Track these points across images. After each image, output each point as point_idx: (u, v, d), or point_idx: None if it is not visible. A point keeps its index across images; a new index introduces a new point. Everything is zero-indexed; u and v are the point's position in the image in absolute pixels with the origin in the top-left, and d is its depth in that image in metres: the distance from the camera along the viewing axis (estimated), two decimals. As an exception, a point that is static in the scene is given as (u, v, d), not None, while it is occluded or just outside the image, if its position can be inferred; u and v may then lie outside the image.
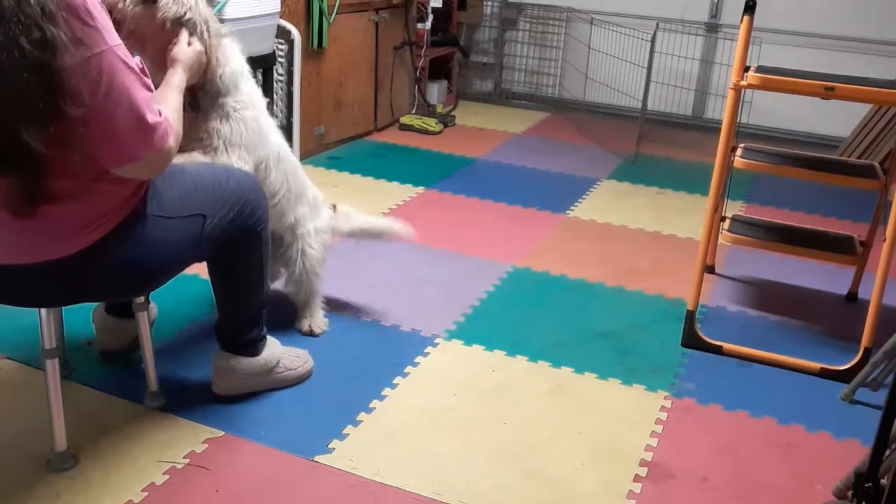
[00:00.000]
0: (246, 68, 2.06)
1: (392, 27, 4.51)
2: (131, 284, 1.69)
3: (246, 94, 2.03)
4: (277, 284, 2.43)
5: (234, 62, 1.99)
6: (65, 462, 1.76)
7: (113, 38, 1.39)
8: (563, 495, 1.77)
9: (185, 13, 1.79)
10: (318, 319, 2.41)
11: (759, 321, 2.64)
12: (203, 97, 1.93)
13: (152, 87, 1.50)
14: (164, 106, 1.55)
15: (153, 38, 1.78)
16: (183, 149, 1.81)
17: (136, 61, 1.46)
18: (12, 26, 1.26)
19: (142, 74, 1.46)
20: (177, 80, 1.69)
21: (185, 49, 1.76)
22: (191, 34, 1.80)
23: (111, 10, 1.64)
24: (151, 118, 1.45)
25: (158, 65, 1.76)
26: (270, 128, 2.15)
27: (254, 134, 2.03)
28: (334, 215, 2.43)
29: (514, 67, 5.49)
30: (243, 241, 1.84)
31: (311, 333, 2.38)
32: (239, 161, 1.98)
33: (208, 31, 1.85)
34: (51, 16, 1.29)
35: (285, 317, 2.43)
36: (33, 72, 1.28)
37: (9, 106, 1.30)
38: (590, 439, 1.97)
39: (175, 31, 1.78)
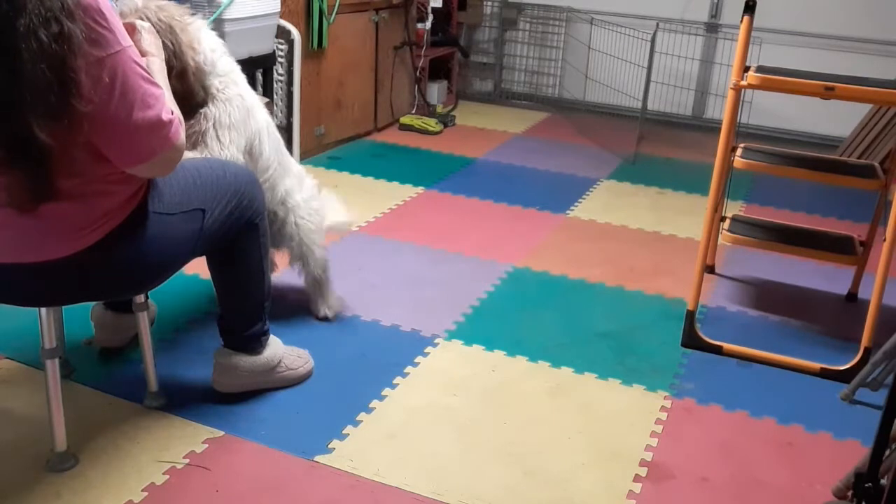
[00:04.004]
0: (218, 43, 2.04)
1: (392, 27, 4.50)
2: (132, 282, 1.69)
3: (225, 72, 2.02)
4: (279, 280, 2.44)
5: (205, 41, 1.96)
6: (65, 462, 1.76)
7: (125, 40, 1.42)
8: (563, 495, 1.77)
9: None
10: (332, 302, 2.45)
11: (759, 321, 2.64)
12: (196, 97, 1.93)
13: (160, 86, 1.51)
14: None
15: None
16: None
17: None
18: (32, 17, 1.28)
19: (149, 74, 1.48)
20: (157, 68, 1.67)
21: (149, 38, 1.72)
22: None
23: None
24: (165, 115, 1.47)
25: None
26: (255, 103, 2.14)
27: (241, 111, 2.04)
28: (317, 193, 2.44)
29: (514, 67, 5.49)
30: (242, 233, 1.85)
31: (326, 319, 2.43)
32: (231, 146, 1.98)
33: (173, 34, 1.82)
34: (69, 12, 1.31)
35: (286, 317, 2.43)
36: (49, 64, 1.30)
37: (22, 95, 1.31)
38: (590, 439, 1.97)
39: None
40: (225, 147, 1.98)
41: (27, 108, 1.31)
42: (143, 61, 1.47)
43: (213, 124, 1.97)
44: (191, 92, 1.91)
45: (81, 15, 1.33)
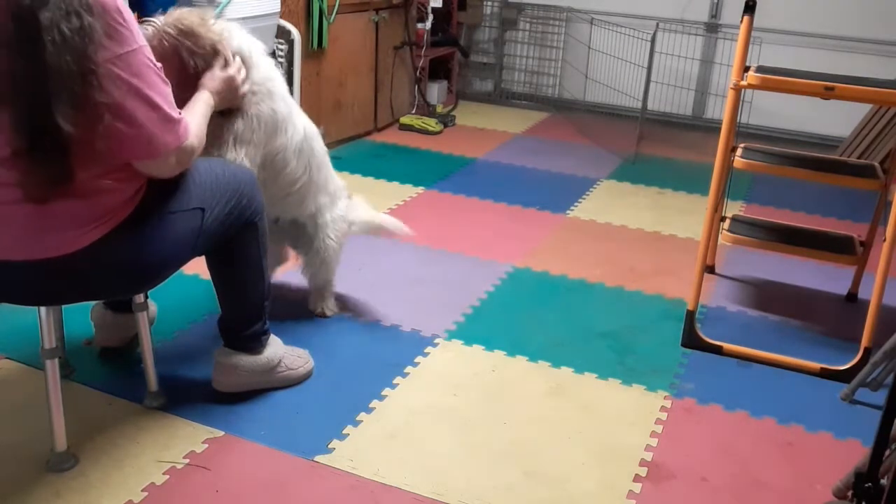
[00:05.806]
0: (254, 44, 2.01)
1: (392, 27, 4.51)
2: (132, 281, 1.70)
3: (261, 81, 2.00)
4: (279, 280, 2.43)
5: (234, 41, 1.94)
6: (65, 462, 1.76)
7: (141, 39, 1.49)
8: (563, 495, 1.77)
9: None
10: (329, 303, 2.48)
11: (759, 321, 2.64)
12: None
13: (170, 86, 1.57)
14: (187, 111, 1.67)
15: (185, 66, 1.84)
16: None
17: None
18: (56, 11, 1.35)
19: (162, 75, 1.54)
20: (203, 98, 1.78)
21: (215, 75, 1.84)
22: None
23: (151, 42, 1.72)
24: (174, 113, 1.54)
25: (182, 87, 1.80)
26: (292, 115, 2.11)
27: (268, 126, 2.02)
28: (349, 203, 2.46)
29: (514, 67, 5.49)
30: (241, 232, 1.86)
31: (322, 315, 2.45)
32: (245, 160, 1.98)
33: (191, 37, 1.84)
34: (88, 8, 1.38)
35: (286, 317, 2.43)
36: (72, 56, 1.37)
37: (46, 84, 1.37)
38: (590, 439, 1.97)
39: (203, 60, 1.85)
40: (239, 159, 1.98)
41: (52, 97, 1.37)
42: (155, 61, 1.52)
43: (234, 137, 1.97)
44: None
45: (101, 11, 1.40)
